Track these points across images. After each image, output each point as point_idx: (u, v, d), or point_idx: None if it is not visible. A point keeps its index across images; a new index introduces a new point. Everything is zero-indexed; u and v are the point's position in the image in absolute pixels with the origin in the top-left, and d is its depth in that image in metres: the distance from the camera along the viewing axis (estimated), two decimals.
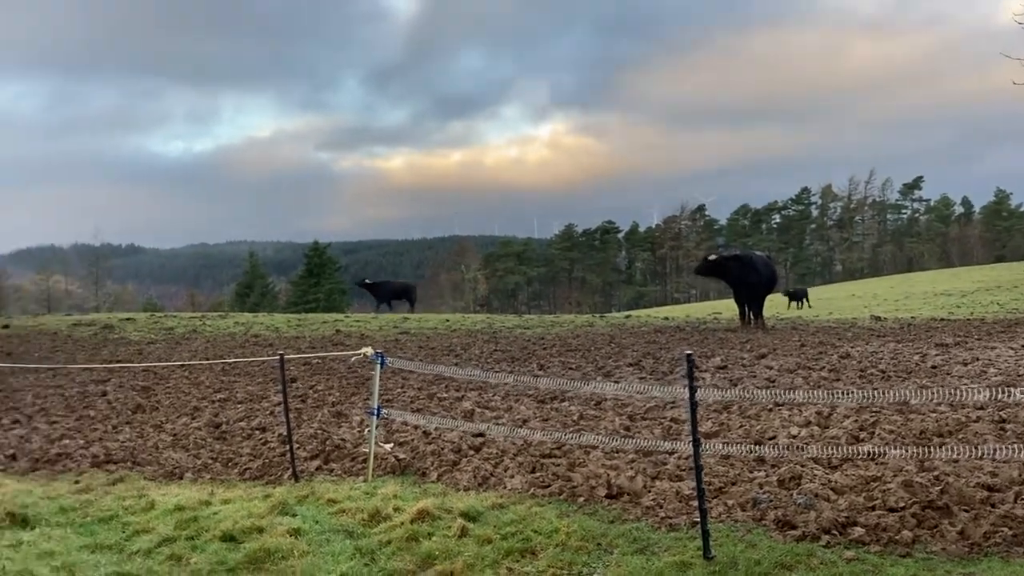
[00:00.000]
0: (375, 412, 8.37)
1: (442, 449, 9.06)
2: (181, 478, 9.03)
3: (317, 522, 7.13)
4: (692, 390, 5.78)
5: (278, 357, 8.94)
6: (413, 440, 9.63)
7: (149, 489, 8.41)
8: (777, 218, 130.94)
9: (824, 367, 13.96)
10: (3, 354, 21.12)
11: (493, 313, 40.66)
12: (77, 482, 8.81)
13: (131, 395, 13.85)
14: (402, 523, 6.87)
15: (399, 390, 13.17)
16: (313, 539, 6.70)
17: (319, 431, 10.39)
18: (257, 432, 10.66)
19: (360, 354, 8.31)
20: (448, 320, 29.89)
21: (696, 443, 5.80)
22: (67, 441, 10.59)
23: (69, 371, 16.43)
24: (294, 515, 7.29)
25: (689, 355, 5.85)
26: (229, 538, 6.67)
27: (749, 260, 23.36)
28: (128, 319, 31.29)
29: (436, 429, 9.93)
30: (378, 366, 8.27)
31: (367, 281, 43.88)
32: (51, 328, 28.56)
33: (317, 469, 8.96)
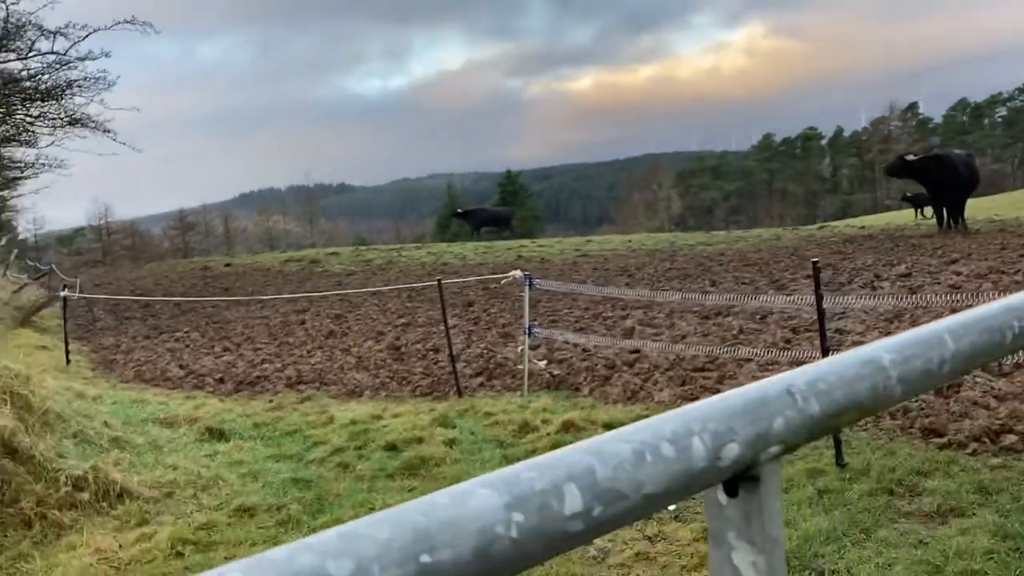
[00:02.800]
0: (527, 331, 8.73)
1: (595, 365, 9.34)
2: (360, 396, 9.86)
3: (472, 433, 7.65)
4: (819, 298, 5.68)
5: (439, 283, 9.46)
6: (571, 357, 9.95)
7: (331, 406, 9.27)
8: (1002, 111, 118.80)
9: (1021, 271, 12.91)
10: (222, 289, 23.40)
11: (688, 231, 40.02)
12: (271, 401, 9.84)
13: (325, 322, 15.08)
14: (548, 434, 7.25)
15: (566, 310, 13.51)
16: (466, 448, 7.22)
17: (485, 351, 10.94)
18: (431, 353, 11.37)
19: (509, 277, 8.67)
20: (631, 241, 29.86)
21: (824, 351, 5.72)
22: (267, 365, 11.78)
23: (275, 302, 18.03)
24: (453, 427, 7.84)
25: (815, 262, 5.74)
26: (391, 448, 7.31)
27: (948, 160, 21.57)
28: (333, 253, 33.55)
29: (594, 347, 10.19)
30: (527, 288, 8.59)
31: (459, 210, 43.78)
32: (265, 265, 31.20)
33: (480, 386, 9.51)
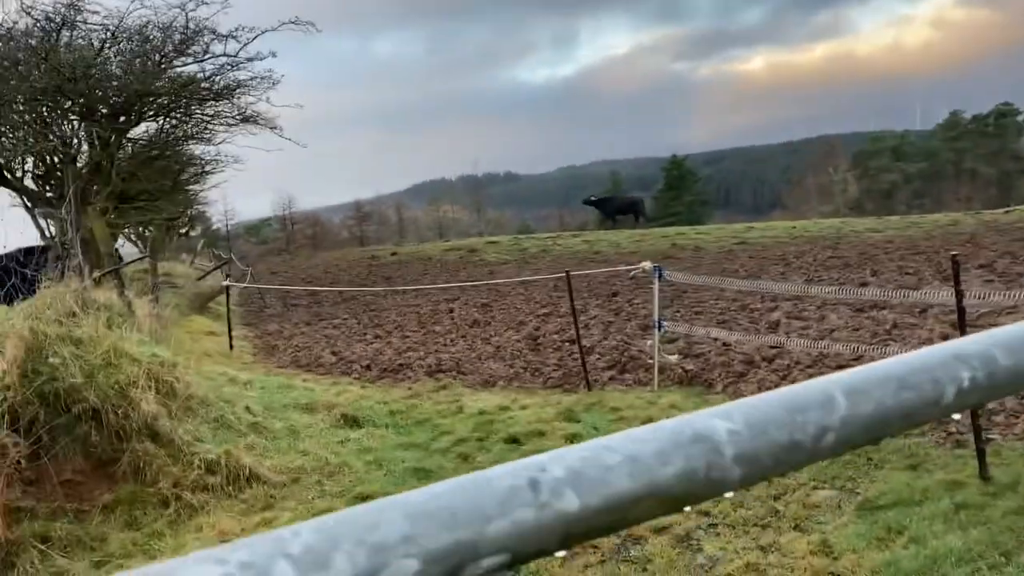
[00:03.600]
0: (657, 325, 8.49)
1: (732, 361, 8.97)
2: (493, 386, 9.93)
3: (595, 428, 7.51)
4: (959, 295, 5.18)
5: (567, 274, 9.36)
6: (708, 351, 9.61)
7: (463, 396, 9.38)
8: None
9: None
10: (384, 278, 24.27)
11: (864, 216, 37.70)
12: (409, 389, 10.07)
13: (472, 311, 15.31)
14: None
15: (712, 301, 13.07)
16: None
17: (621, 343, 10.75)
18: (567, 344, 11.29)
19: (639, 268, 8.46)
20: (794, 227, 28.58)
21: None
22: (410, 353, 12.08)
23: (428, 291, 18.49)
24: (577, 421, 7.75)
25: (954, 256, 5.23)
26: (513, 440, 7.30)
27: None
28: (491, 242, 34.08)
29: (736, 341, 9.79)
30: (656, 279, 8.35)
31: (592, 198, 42.95)
32: (427, 254, 32.10)
33: (611, 379, 9.35)
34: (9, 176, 20.03)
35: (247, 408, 8.11)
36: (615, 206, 41.70)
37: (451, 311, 15.75)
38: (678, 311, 12.59)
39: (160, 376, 7.06)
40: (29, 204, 19.88)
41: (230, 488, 6.27)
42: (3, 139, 19.15)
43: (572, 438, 7.18)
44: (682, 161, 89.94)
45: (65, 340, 6.72)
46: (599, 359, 10.04)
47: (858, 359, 8.32)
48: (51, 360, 6.28)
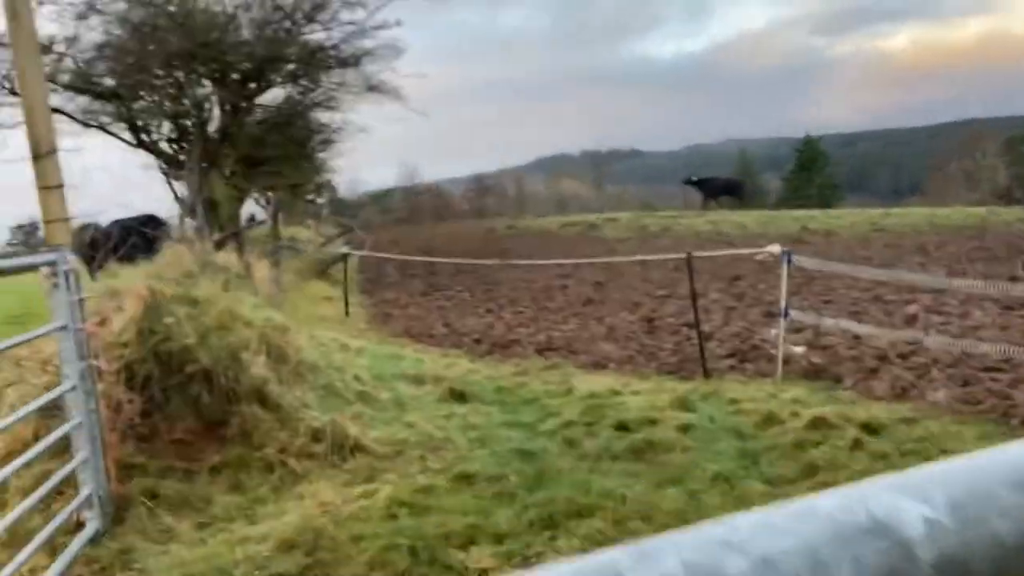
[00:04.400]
0: (783, 313, 7.99)
1: (863, 355, 8.38)
2: (605, 368, 9.62)
3: (712, 419, 7.12)
4: None
5: (689, 256, 8.93)
6: (837, 344, 9.03)
7: (574, 376, 9.12)
8: None
9: None
10: (499, 251, 24.18)
11: (1014, 206, 35.04)
12: (519, 366, 9.87)
13: (586, 289, 15.00)
14: (794, 428, 6.57)
15: (843, 290, 12.35)
16: (700, 436, 6.72)
17: (743, 330, 10.26)
18: (684, 328, 10.86)
19: (766, 252, 7.96)
20: (935, 215, 26.91)
21: None
22: (521, 329, 11.89)
23: (543, 266, 18.27)
24: (692, 410, 7.37)
25: None
26: (622, 427, 6.99)
27: None
28: (611, 219, 33.54)
29: (868, 335, 9.16)
30: (784, 265, 7.84)
31: (692, 178, 41.72)
32: (545, 228, 31.88)
33: (730, 368, 8.90)
34: (146, 139, 20.86)
35: (356, 376, 8.09)
36: (716, 187, 40.58)
37: (565, 288, 15.49)
38: (805, 299, 11.95)
39: (272, 340, 7.08)
40: (164, 167, 20.73)
41: (334, 457, 6.21)
42: (141, 102, 19.93)
43: (686, 428, 6.83)
44: (816, 141, 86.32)
45: (182, 301, 6.80)
46: (718, 346, 9.59)
47: (1007, 361, 7.62)
48: (166, 320, 6.36)
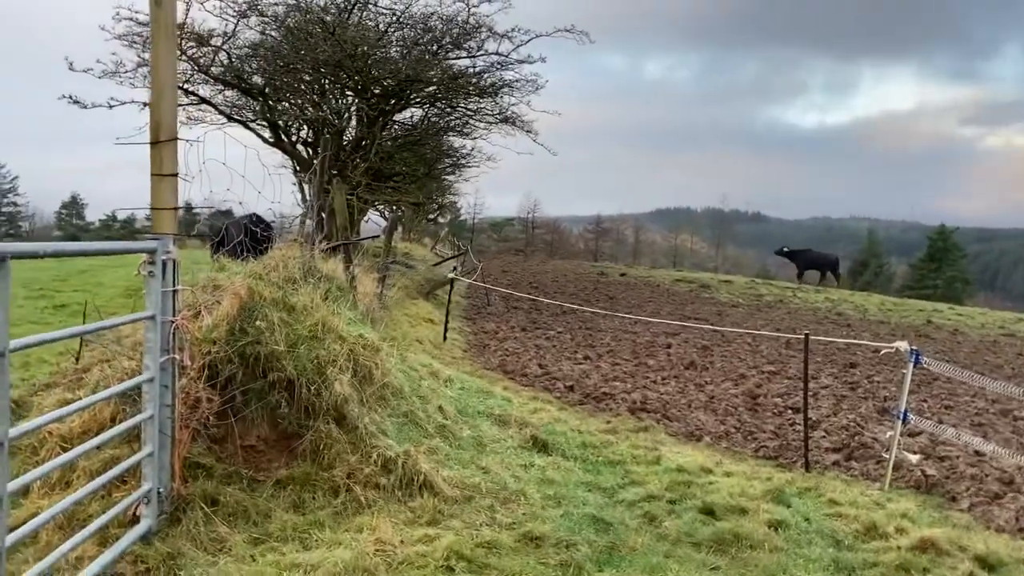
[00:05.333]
0: (901, 416, 7.33)
1: (986, 476, 7.60)
2: (699, 440, 9.09)
3: (807, 520, 6.54)
4: None
5: (806, 337, 8.35)
6: (956, 457, 8.25)
7: (663, 444, 8.63)
8: None
9: None
10: (607, 297, 23.75)
11: None
12: (608, 422, 9.45)
13: (690, 351, 14.42)
14: (899, 547, 5.94)
15: (968, 398, 11.42)
16: (793, 537, 6.16)
17: (852, 424, 9.54)
18: (789, 411, 10.22)
19: (891, 348, 7.34)
20: None
21: None
22: (617, 383, 11.45)
23: (650, 321, 17.77)
24: (787, 506, 6.80)
25: None
26: (708, 511, 6.49)
27: None
28: (726, 281, 32.69)
29: (993, 453, 8.34)
30: (910, 364, 7.20)
31: (785, 249, 40.70)
32: (656, 280, 31.27)
33: (834, 463, 8.24)
34: (284, 139, 21.48)
35: (440, 408, 7.85)
36: (808, 259, 39.78)
37: (669, 346, 14.94)
38: (925, 400, 11.11)
39: (360, 358, 6.91)
40: (297, 168, 21.27)
41: (400, 492, 5.95)
42: (284, 103, 20.53)
43: (778, 525, 6.27)
44: (950, 232, 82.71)
45: (278, 305, 6.72)
46: (824, 437, 8.93)
47: None
48: (258, 323, 6.26)
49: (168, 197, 5.11)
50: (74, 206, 76.69)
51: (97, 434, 5.20)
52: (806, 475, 7.79)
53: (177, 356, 5.16)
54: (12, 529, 3.80)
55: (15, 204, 72.26)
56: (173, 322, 5.10)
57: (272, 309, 6.59)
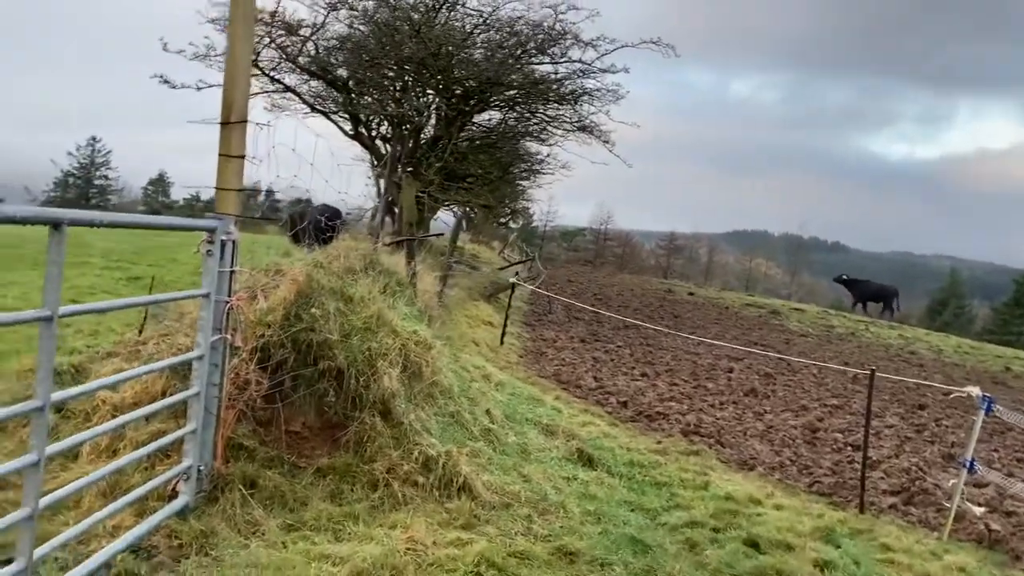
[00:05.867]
0: (967, 464, 6.99)
1: None
2: (751, 469, 8.83)
3: (856, 563, 6.27)
4: None
5: (872, 373, 8.04)
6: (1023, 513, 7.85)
7: (714, 470, 8.41)
8: None
9: None
10: (672, 316, 23.41)
11: None
12: (659, 442, 9.25)
13: (752, 377, 14.08)
14: None
15: None
16: None
17: (914, 467, 9.15)
18: (848, 448, 9.87)
19: (963, 392, 7.00)
20: None
21: None
22: (672, 403, 11.22)
23: (713, 344, 17.43)
24: (837, 546, 6.53)
25: None
26: (752, 544, 6.27)
27: None
28: (797, 309, 31.96)
29: None
30: (981, 411, 6.86)
31: (844, 277, 40.43)
32: (725, 303, 30.73)
33: (890, 507, 7.90)
34: (364, 133, 21.72)
35: (487, 411, 7.78)
36: (867, 292, 39.09)
37: (730, 371, 14.61)
38: (995, 451, 10.62)
39: (411, 354, 6.88)
40: (375, 162, 21.48)
41: (438, 492, 5.89)
42: (367, 97, 20.76)
43: (824, 565, 6.02)
44: None
45: (335, 294, 6.73)
46: (883, 479, 8.59)
47: None
48: (313, 310, 6.28)
49: (233, 178, 5.14)
50: (160, 183, 79.01)
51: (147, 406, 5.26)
52: (860, 516, 7.48)
53: (229, 336, 5.19)
54: (50, 492, 3.86)
55: (106, 178, 74.75)
56: (228, 302, 5.13)
57: (329, 298, 6.61)
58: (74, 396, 3.70)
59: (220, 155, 5.10)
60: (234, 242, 5.10)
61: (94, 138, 73.61)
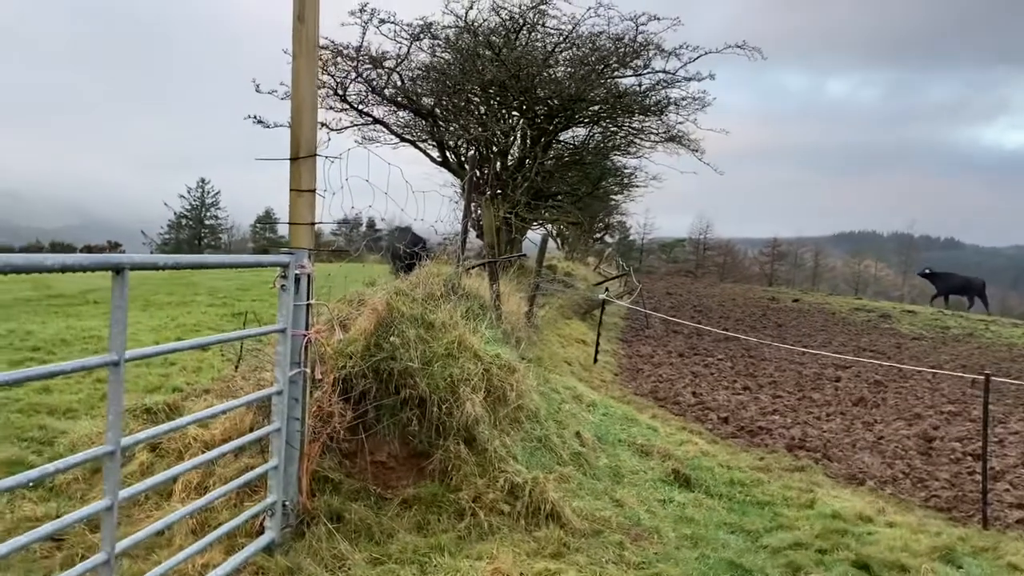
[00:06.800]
0: None
1: None
2: (861, 484, 8.37)
3: None
4: None
5: (987, 377, 7.51)
6: None
7: (820, 486, 8.01)
8: None
9: None
10: (775, 325, 22.69)
11: None
12: (762, 459, 8.88)
13: (860, 386, 13.44)
14: None
15: None
16: None
17: None
18: (968, 458, 9.25)
19: None
20: None
21: None
22: (775, 417, 10.79)
23: (819, 353, 16.77)
24: (957, 566, 6.09)
25: None
26: (862, 566, 5.90)
27: None
28: (909, 311, 30.58)
29: None
30: None
31: (927, 271, 39.22)
32: (832, 308, 29.64)
33: (1018, 521, 7.34)
34: (452, 159, 21.91)
35: (577, 434, 7.61)
36: (951, 284, 37.60)
37: (837, 379, 13.99)
38: None
39: (494, 379, 6.79)
40: (464, 188, 21.66)
41: (525, 521, 5.75)
42: (453, 125, 20.98)
43: None
44: None
45: (416, 322, 6.70)
46: (1008, 491, 8.00)
47: None
48: (392, 339, 6.26)
49: (305, 212, 5.17)
50: (267, 219, 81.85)
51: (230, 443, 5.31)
52: (983, 532, 6.96)
53: (307, 369, 5.20)
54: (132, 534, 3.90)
55: (216, 217, 77.94)
56: (306, 335, 5.15)
57: (409, 325, 6.59)
58: (143, 440, 3.72)
59: (291, 190, 5.13)
60: (309, 276, 5.12)
61: (203, 179, 76.97)
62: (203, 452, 5.83)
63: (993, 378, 7.79)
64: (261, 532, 5.06)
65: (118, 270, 3.30)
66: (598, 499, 6.48)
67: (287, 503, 5.14)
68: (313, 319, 5.32)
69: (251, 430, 5.83)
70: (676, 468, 7.61)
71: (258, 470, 5.03)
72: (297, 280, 5.01)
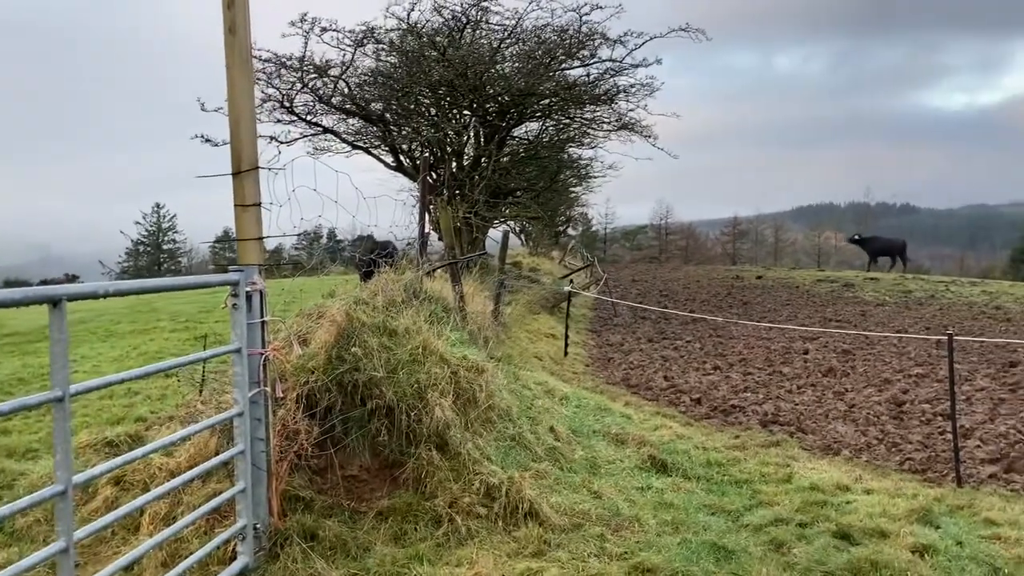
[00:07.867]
0: None
1: None
2: (837, 454, 8.41)
3: (959, 543, 5.84)
4: None
5: (950, 337, 7.57)
6: None
7: (797, 459, 8.02)
8: None
9: None
10: (741, 303, 22.83)
11: None
12: (737, 437, 8.89)
13: (829, 356, 13.54)
14: None
15: None
16: (942, 564, 5.49)
17: (1012, 430, 8.60)
18: (938, 419, 9.34)
19: None
20: None
21: None
22: (747, 394, 10.82)
23: (785, 327, 16.88)
24: (936, 527, 6.11)
25: None
26: (843, 535, 5.90)
27: None
28: (872, 279, 30.93)
29: None
30: None
31: (856, 236, 41.78)
32: (796, 282, 29.91)
33: (991, 476, 7.41)
34: (406, 163, 21.76)
35: (551, 429, 7.55)
36: (875, 247, 39.96)
37: (806, 352, 14.09)
38: None
39: (463, 381, 6.71)
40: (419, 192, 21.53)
41: (503, 522, 5.67)
42: (405, 129, 20.85)
43: (924, 550, 5.61)
44: None
45: (378, 330, 6.60)
46: (979, 447, 8.08)
47: None
48: (353, 349, 6.15)
49: (252, 227, 5.04)
50: (226, 239, 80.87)
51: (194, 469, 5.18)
52: (958, 491, 7.02)
53: (267, 388, 5.08)
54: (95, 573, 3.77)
55: (175, 241, 76.91)
56: (263, 354, 5.03)
57: (371, 334, 6.48)
58: (98, 475, 3.59)
59: (236, 205, 5.00)
60: (261, 292, 4.99)
61: (158, 204, 75.91)
62: (168, 481, 5.69)
63: (956, 337, 7.86)
64: (234, 558, 4.93)
65: (55, 302, 3.17)
66: (576, 492, 6.43)
67: (258, 526, 5.01)
68: (269, 336, 5.19)
69: (216, 454, 5.69)
70: (652, 454, 7.57)
71: (225, 495, 4.90)
72: (249, 297, 4.88)
